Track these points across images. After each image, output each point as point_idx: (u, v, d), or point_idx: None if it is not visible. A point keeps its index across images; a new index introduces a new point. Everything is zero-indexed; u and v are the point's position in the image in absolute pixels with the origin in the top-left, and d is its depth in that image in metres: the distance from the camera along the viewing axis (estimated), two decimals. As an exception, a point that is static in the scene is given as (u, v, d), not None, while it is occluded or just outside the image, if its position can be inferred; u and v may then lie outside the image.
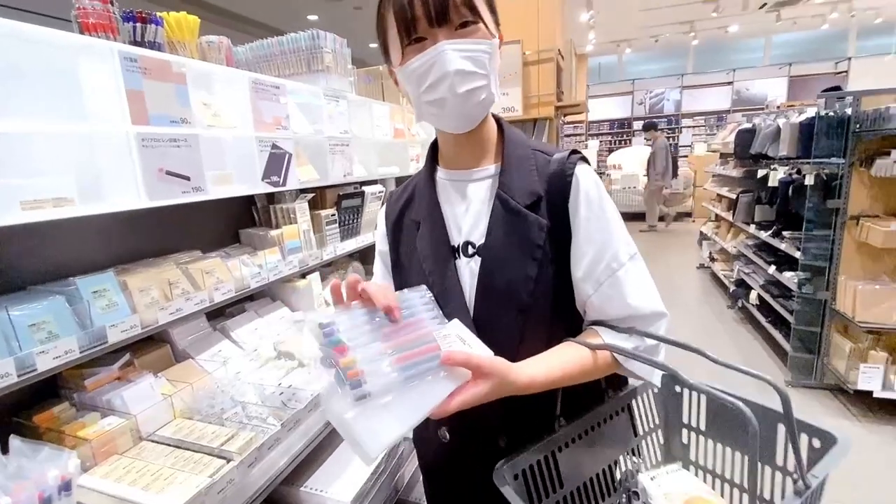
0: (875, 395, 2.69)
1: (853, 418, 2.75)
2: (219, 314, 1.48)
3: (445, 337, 0.63)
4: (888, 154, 2.49)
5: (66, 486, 0.63)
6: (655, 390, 0.85)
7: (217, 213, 1.45)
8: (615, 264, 0.71)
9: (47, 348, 0.83)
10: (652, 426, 0.87)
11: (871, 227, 2.63)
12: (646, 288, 0.72)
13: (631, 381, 0.83)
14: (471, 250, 0.75)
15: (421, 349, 0.60)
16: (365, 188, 1.86)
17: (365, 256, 2.11)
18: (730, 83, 11.34)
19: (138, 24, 1.22)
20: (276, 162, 1.39)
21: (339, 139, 1.68)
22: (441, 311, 0.71)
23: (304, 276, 1.58)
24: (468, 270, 0.75)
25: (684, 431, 0.85)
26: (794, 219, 3.45)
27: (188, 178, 1.09)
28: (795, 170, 3.52)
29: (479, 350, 0.63)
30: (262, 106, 1.32)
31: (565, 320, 0.76)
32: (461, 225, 0.77)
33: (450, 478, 0.85)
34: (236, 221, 1.52)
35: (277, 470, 1.03)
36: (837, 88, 3.56)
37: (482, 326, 0.70)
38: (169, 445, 0.96)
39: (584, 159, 0.76)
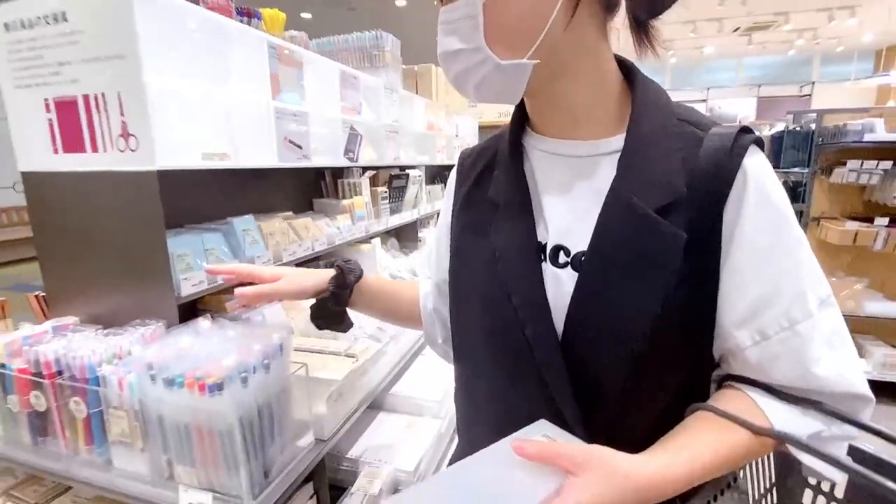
0: (830, 374, 3.08)
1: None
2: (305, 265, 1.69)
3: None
4: (845, 164, 2.90)
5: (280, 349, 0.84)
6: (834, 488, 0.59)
7: (296, 183, 1.68)
8: (798, 312, 0.48)
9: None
10: (764, 489, 0.66)
11: (830, 227, 3.03)
12: (844, 354, 0.49)
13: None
14: (562, 258, 0.54)
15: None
16: (408, 171, 2.11)
17: (399, 233, 2.37)
18: (704, 101, 12.04)
19: (244, 17, 1.46)
20: (353, 141, 1.63)
21: (391, 126, 1.93)
22: None
23: (368, 241, 1.82)
24: (555, 285, 0.54)
25: (808, 493, 0.64)
26: (764, 221, 3.86)
27: (301, 147, 1.33)
28: (766, 178, 3.94)
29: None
30: (345, 93, 1.57)
31: (687, 367, 0.54)
32: (553, 218, 0.56)
33: None
34: (309, 192, 1.75)
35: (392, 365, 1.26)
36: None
37: (575, 369, 0.52)
38: (304, 351, 1.14)
39: (759, 142, 0.52)
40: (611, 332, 0.51)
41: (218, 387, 0.72)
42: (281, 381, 0.84)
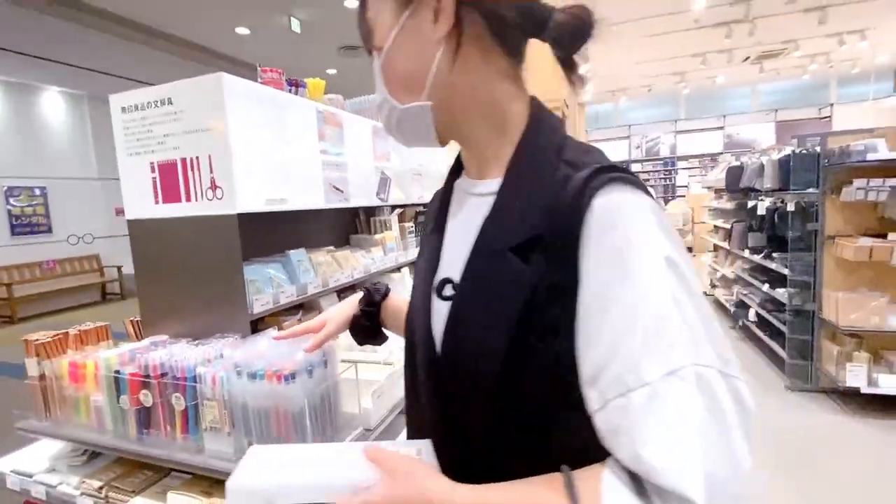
0: (862, 391, 3.06)
1: (846, 414, 3.11)
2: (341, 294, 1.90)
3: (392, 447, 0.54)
4: (852, 183, 3.00)
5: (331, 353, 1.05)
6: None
7: (336, 221, 1.94)
8: (631, 378, 0.41)
9: (285, 289, 1.29)
10: None
11: (844, 244, 3.10)
12: (682, 440, 0.39)
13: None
14: (448, 292, 0.57)
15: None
16: (431, 208, 2.36)
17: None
18: (721, 128, 12.16)
19: (293, 87, 1.76)
20: (383, 184, 1.89)
21: (416, 170, 2.20)
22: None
23: (398, 270, 2.05)
24: (437, 317, 0.57)
25: None
26: (781, 241, 3.93)
27: (342, 191, 1.59)
28: (779, 199, 4.03)
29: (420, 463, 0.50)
30: (377, 144, 1.84)
31: (571, 424, 0.48)
32: (445, 255, 0.61)
33: None
34: (346, 228, 2.00)
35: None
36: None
37: (444, 400, 0.55)
38: (349, 360, 1.33)
39: (625, 180, 0.48)
40: (467, 367, 0.52)
41: (292, 376, 0.92)
42: (335, 376, 1.04)
